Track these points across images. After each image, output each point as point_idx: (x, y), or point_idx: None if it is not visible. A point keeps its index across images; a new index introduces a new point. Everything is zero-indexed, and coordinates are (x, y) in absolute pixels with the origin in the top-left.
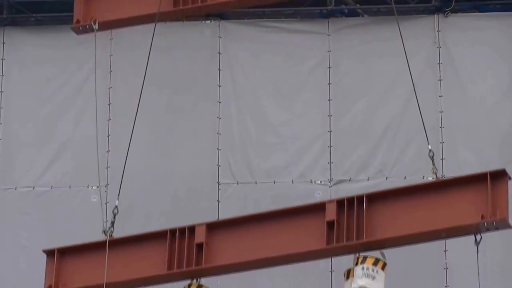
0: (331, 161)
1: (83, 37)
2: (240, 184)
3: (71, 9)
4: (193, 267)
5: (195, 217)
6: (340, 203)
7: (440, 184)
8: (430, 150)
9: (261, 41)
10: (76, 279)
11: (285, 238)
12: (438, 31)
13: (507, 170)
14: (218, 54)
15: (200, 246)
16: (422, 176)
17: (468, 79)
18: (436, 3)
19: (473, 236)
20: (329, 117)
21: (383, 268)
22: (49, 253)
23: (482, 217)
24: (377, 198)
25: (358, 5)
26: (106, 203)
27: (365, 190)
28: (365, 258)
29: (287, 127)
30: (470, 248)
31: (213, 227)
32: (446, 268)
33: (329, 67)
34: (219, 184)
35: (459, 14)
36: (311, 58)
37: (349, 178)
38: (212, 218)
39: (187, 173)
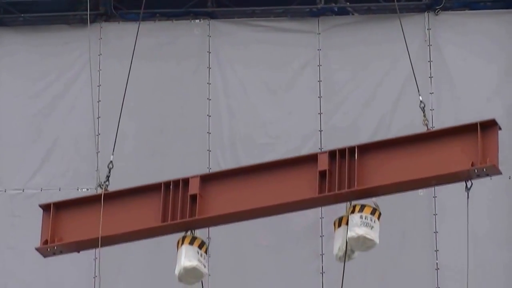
0: None
1: (70, 36)
2: None
3: (58, 9)
4: (187, 219)
5: None
6: (332, 154)
7: (430, 134)
8: (421, 101)
9: (251, 40)
10: (72, 233)
11: (278, 188)
12: (429, 29)
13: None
14: (208, 53)
15: (194, 197)
16: None
17: (459, 76)
18: (427, 1)
19: (464, 239)
20: (319, 114)
21: (379, 218)
22: (45, 207)
23: (473, 164)
24: (368, 148)
25: (348, 3)
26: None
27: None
28: (363, 206)
29: (277, 126)
30: (461, 248)
31: (207, 179)
32: (437, 269)
33: (319, 65)
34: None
35: (450, 12)
36: (301, 57)
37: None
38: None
39: (177, 174)
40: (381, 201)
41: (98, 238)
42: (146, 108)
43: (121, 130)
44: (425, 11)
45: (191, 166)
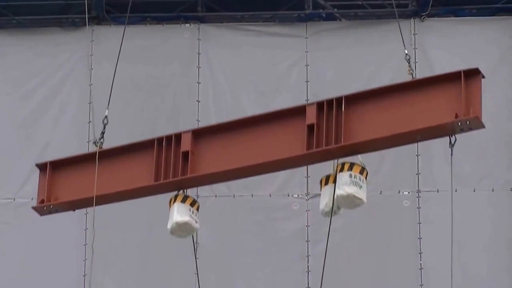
0: (308, 175)
1: (62, 39)
2: (218, 197)
3: (51, 13)
4: (179, 177)
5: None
6: (319, 105)
7: (416, 83)
8: (406, 54)
9: (239, 44)
10: (67, 193)
11: (267, 144)
12: (415, 34)
13: (481, 182)
14: (197, 55)
15: (186, 155)
16: (398, 191)
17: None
18: (413, 7)
19: (445, 240)
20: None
21: (366, 177)
22: (42, 167)
23: (456, 116)
24: (355, 99)
25: (335, 9)
26: (86, 214)
27: None
28: (352, 165)
29: None
30: (444, 250)
31: (199, 134)
32: (421, 269)
33: (307, 65)
34: (197, 197)
35: (435, 18)
36: (289, 60)
37: None
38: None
39: None
40: (370, 209)
41: (93, 197)
42: (136, 110)
43: (110, 130)
44: (411, 17)
45: None
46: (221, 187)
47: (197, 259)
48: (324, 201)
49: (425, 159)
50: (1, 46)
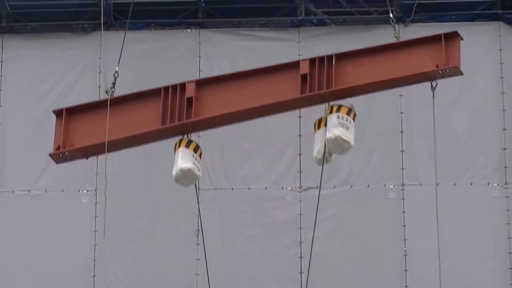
0: (301, 170)
1: (72, 43)
2: (218, 190)
3: (62, 19)
4: (184, 121)
5: (177, 219)
6: (312, 61)
7: (400, 44)
8: (391, 18)
9: (237, 47)
10: (81, 139)
11: (264, 90)
12: (399, 39)
13: (461, 176)
14: (198, 57)
15: (190, 100)
16: (384, 184)
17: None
18: (397, 14)
19: (431, 228)
20: (299, 118)
21: (354, 118)
22: (58, 113)
23: (437, 66)
24: (345, 56)
25: (326, 15)
26: (95, 203)
27: (332, 197)
28: (339, 106)
29: (261, 131)
30: (427, 236)
31: (202, 83)
32: (405, 255)
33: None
34: (199, 189)
35: (418, 24)
36: (283, 61)
37: (317, 186)
38: (192, 220)
39: (170, 178)
40: (358, 201)
41: (105, 143)
42: None
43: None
44: (396, 23)
45: None
46: (220, 181)
47: (198, 245)
48: (317, 147)
49: (409, 156)
50: (17, 50)
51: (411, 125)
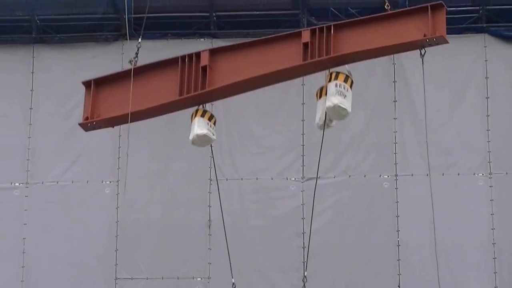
0: (304, 162)
1: (96, 52)
2: (229, 180)
3: (87, 30)
4: (199, 91)
5: (190, 205)
6: (312, 30)
7: (391, 14)
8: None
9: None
10: (107, 110)
11: (271, 58)
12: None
13: (449, 168)
14: None
15: (204, 69)
16: (379, 175)
17: (417, 91)
18: None
19: (422, 215)
20: (302, 121)
21: (351, 86)
22: (87, 85)
23: (425, 35)
24: (342, 26)
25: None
26: (117, 194)
27: (332, 186)
28: (337, 74)
29: (267, 127)
30: (419, 228)
31: (215, 52)
32: (398, 245)
33: (303, 84)
34: (210, 180)
35: None
36: None
37: (319, 176)
38: (204, 206)
39: (185, 173)
40: (356, 190)
41: (128, 114)
42: (156, 123)
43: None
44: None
45: (195, 168)
46: (231, 172)
47: (210, 236)
48: (318, 114)
49: (402, 150)
50: (46, 59)
51: (404, 125)
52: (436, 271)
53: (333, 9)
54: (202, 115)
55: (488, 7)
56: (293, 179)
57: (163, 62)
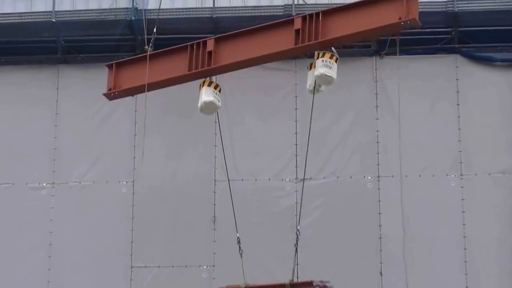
0: (297, 164)
1: None
2: (231, 181)
3: (105, 51)
4: (206, 67)
5: (197, 203)
6: (303, 17)
7: (370, 1)
8: None
9: (246, 76)
10: (127, 82)
11: (267, 42)
12: (376, 69)
13: (425, 170)
14: None
15: (210, 53)
16: (363, 176)
17: (401, 105)
18: (374, 48)
19: (401, 211)
20: (295, 134)
21: (336, 61)
22: (109, 66)
23: (400, 18)
24: (329, 13)
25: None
26: (132, 193)
27: (322, 186)
28: (324, 53)
29: (264, 140)
30: (398, 223)
31: (219, 40)
32: (380, 238)
33: (296, 96)
34: (215, 180)
35: (391, 56)
36: (283, 89)
37: (310, 177)
38: (209, 205)
39: (192, 173)
40: (343, 190)
41: (145, 85)
42: (169, 123)
43: (148, 143)
44: (373, 56)
45: (201, 168)
46: (232, 173)
47: (215, 230)
48: (309, 82)
49: (383, 155)
50: (70, 78)
51: (385, 133)
52: (410, 261)
53: None
54: (209, 85)
55: (459, 29)
56: (288, 180)
57: (174, 48)
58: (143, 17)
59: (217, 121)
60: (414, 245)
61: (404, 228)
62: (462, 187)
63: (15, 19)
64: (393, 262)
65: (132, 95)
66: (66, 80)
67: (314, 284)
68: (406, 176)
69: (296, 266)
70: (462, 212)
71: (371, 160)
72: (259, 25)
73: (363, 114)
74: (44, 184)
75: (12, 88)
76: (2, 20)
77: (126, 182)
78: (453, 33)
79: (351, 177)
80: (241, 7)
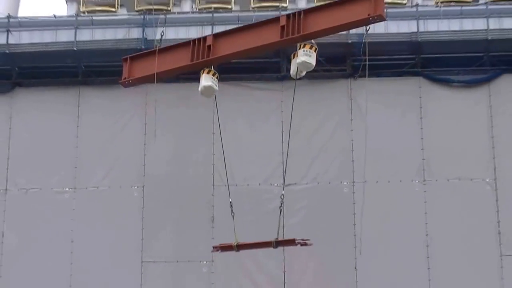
0: (285, 172)
1: (126, 93)
2: (226, 186)
3: (120, 74)
4: (205, 58)
5: (198, 205)
6: (288, 16)
7: (342, 0)
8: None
9: (240, 94)
10: (139, 72)
11: (257, 37)
12: (351, 89)
13: (394, 175)
14: (214, 102)
15: (209, 47)
16: (340, 181)
17: (372, 120)
18: (349, 71)
19: (373, 211)
20: (281, 143)
21: (315, 51)
22: (124, 60)
23: (369, 14)
24: (309, 11)
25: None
26: (143, 197)
27: (305, 191)
28: (305, 44)
29: (255, 149)
30: (370, 222)
31: (217, 36)
32: (354, 235)
33: (282, 111)
34: (213, 185)
35: (364, 78)
36: (271, 104)
37: (295, 183)
38: (208, 206)
39: (193, 179)
40: (323, 194)
41: (154, 74)
42: (175, 138)
43: (156, 153)
44: (348, 77)
45: (201, 174)
46: (228, 179)
47: (213, 228)
48: (292, 68)
49: (358, 162)
50: (90, 98)
51: (360, 147)
52: (385, 255)
53: None
54: (208, 72)
55: (422, 56)
56: (276, 184)
57: (179, 44)
58: (153, 46)
59: (214, 132)
60: (385, 241)
61: (376, 227)
62: (424, 191)
63: (42, 48)
64: (366, 257)
65: (144, 83)
66: (85, 98)
67: (296, 241)
68: (377, 181)
69: (280, 227)
70: (425, 213)
71: (347, 167)
72: (250, 23)
73: (340, 126)
74: (67, 189)
75: (40, 105)
76: (31, 49)
77: (137, 187)
78: (416, 59)
79: (329, 183)
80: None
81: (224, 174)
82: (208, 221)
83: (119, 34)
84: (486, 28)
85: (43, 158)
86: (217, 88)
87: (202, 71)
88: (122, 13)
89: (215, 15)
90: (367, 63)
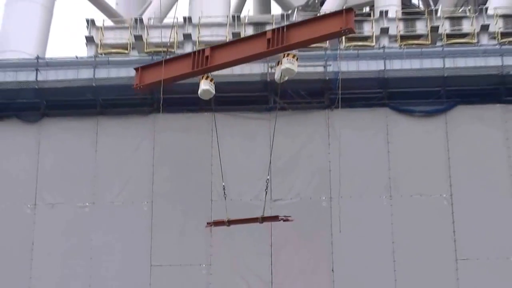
0: (272, 188)
1: (139, 120)
2: (223, 200)
3: (131, 106)
4: (204, 67)
5: (199, 214)
6: (273, 30)
7: (320, 17)
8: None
9: (235, 124)
10: (148, 79)
11: (247, 48)
12: (328, 118)
13: (366, 191)
14: (213, 129)
15: (207, 57)
16: (319, 197)
17: (347, 144)
18: (327, 102)
19: (347, 222)
20: (269, 164)
21: (297, 60)
22: (136, 69)
23: (341, 28)
24: (291, 27)
25: (285, 104)
26: (151, 210)
27: (289, 205)
28: (288, 53)
29: (246, 168)
30: (346, 231)
31: (213, 49)
32: (332, 243)
33: (270, 137)
34: (211, 200)
35: (340, 109)
36: (259, 132)
37: (281, 198)
38: (207, 215)
39: (196, 192)
40: (304, 208)
41: (161, 81)
42: (179, 160)
43: (162, 172)
44: (326, 108)
45: (200, 190)
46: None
47: (211, 237)
48: (277, 74)
49: (334, 180)
50: (106, 125)
51: (336, 167)
52: (358, 259)
53: (290, 92)
54: (206, 78)
55: (388, 90)
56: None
57: (182, 55)
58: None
59: (212, 155)
60: (357, 247)
61: (350, 234)
62: (391, 205)
63: (66, 84)
64: (342, 260)
65: (152, 88)
66: (103, 126)
67: (279, 217)
68: (351, 196)
69: (265, 206)
70: (391, 224)
71: (325, 184)
72: (241, 37)
73: (319, 149)
74: (87, 203)
75: (64, 132)
76: (57, 85)
77: (147, 202)
78: (383, 92)
79: (310, 198)
80: None
81: (221, 189)
82: (207, 230)
83: (132, 72)
84: (442, 66)
85: (67, 177)
86: (213, 91)
87: (201, 77)
88: (134, 55)
89: None
90: (340, 96)
